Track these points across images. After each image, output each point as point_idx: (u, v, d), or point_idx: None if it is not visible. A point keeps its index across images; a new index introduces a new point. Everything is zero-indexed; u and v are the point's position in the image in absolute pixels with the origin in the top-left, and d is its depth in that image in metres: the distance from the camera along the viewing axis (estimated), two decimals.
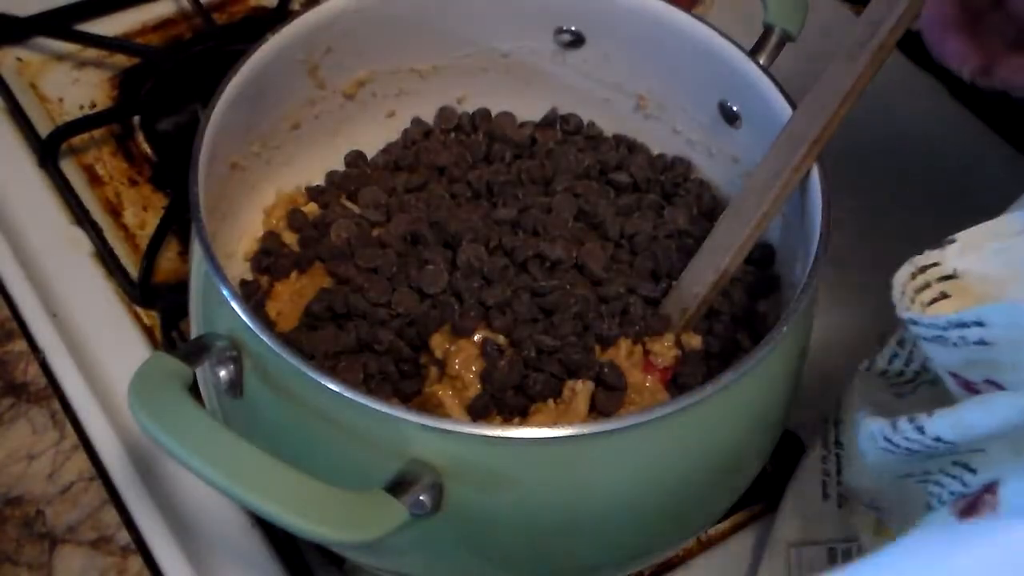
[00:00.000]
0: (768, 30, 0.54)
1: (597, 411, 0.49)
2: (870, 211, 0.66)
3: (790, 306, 0.44)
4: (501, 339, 0.50)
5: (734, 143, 0.55)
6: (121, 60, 0.72)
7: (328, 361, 0.50)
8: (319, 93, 0.56)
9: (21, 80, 0.71)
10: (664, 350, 0.51)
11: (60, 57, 0.72)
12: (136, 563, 0.52)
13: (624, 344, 0.51)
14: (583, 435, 0.40)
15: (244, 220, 0.55)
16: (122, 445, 0.55)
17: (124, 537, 0.52)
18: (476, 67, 0.59)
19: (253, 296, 0.53)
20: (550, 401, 0.49)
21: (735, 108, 0.54)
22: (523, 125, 0.61)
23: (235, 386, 0.42)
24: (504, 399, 0.49)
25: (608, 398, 0.49)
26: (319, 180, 0.59)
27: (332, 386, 0.39)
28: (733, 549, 0.55)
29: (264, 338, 0.40)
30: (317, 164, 0.59)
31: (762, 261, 0.55)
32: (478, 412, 0.48)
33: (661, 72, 0.57)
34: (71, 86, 0.71)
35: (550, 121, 0.60)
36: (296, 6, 0.77)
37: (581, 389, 0.49)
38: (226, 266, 0.48)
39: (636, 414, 0.40)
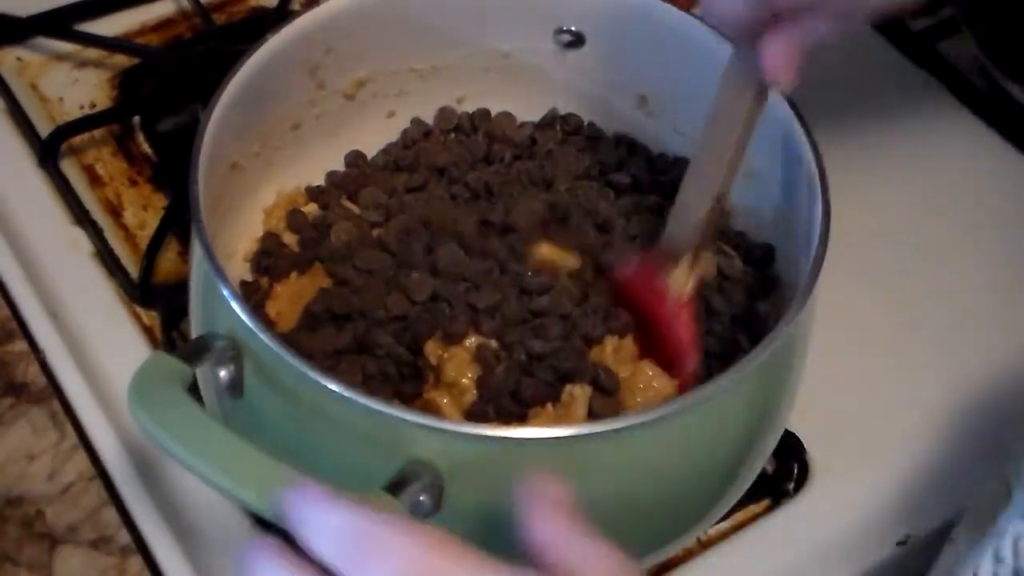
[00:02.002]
0: None
1: (593, 416, 0.49)
2: (869, 211, 0.66)
3: (790, 306, 0.44)
4: (493, 343, 0.50)
5: None
6: (121, 60, 0.72)
7: (327, 361, 0.50)
8: (319, 93, 0.56)
9: (21, 80, 0.71)
10: (681, 280, 0.51)
11: (60, 57, 0.72)
12: (136, 563, 0.52)
13: (610, 341, 0.51)
14: (583, 435, 0.40)
15: (244, 220, 0.55)
16: (122, 445, 0.54)
17: (124, 537, 0.52)
18: (476, 67, 0.59)
19: (253, 296, 0.53)
20: (548, 406, 0.49)
21: None
22: (523, 125, 0.61)
23: (235, 386, 0.42)
24: (501, 404, 0.49)
25: (604, 404, 0.49)
26: (319, 180, 0.59)
27: (332, 386, 0.39)
28: (733, 549, 0.55)
29: (264, 338, 0.40)
30: (317, 164, 0.59)
31: (762, 261, 0.55)
32: (476, 418, 0.48)
33: (661, 72, 0.57)
34: (71, 86, 0.71)
35: (550, 121, 0.60)
36: (296, 6, 0.77)
37: (579, 394, 0.49)
38: (226, 266, 0.48)
39: (636, 414, 0.41)
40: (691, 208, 0.50)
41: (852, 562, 0.55)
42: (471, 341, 0.50)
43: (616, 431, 0.40)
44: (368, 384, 0.49)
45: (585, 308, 0.51)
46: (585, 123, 0.60)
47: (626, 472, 0.43)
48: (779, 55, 0.44)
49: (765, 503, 0.56)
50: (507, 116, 0.60)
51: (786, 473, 0.57)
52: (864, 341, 0.62)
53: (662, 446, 0.42)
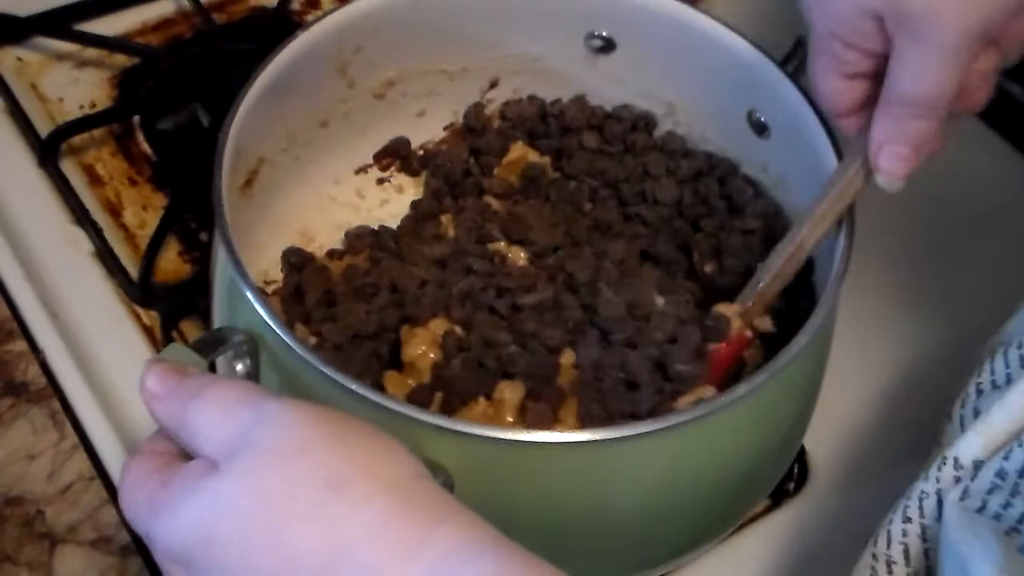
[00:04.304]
0: (801, 41, 0.53)
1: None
2: (866, 211, 0.66)
3: (808, 322, 0.44)
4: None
5: (762, 154, 0.55)
6: (121, 60, 0.72)
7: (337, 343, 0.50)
8: (349, 92, 0.56)
9: (21, 80, 0.71)
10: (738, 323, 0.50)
11: (60, 57, 0.72)
12: (136, 563, 0.52)
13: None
14: (594, 441, 0.40)
15: (272, 214, 0.55)
16: (122, 445, 0.54)
17: (124, 537, 0.52)
18: (506, 70, 0.59)
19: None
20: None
21: (763, 119, 0.54)
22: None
23: (252, 380, 0.43)
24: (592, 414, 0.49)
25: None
26: (347, 177, 0.59)
27: (349, 385, 0.40)
28: (733, 549, 0.55)
29: (284, 337, 0.41)
30: (344, 162, 0.59)
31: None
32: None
33: (691, 80, 0.56)
34: (71, 86, 0.71)
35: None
36: (296, 6, 0.77)
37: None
38: (251, 260, 0.47)
39: (651, 421, 0.40)
40: (778, 261, 0.50)
41: (852, 562, 0.55)
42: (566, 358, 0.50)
43: (630, 437, 0.40)
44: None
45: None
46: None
47: (640, 479, 0.43)
48: (894, 157, 0.47)
49: (765, 503, 0.56)
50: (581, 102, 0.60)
51: (786, 473, 0.57)
52: (862, 341, 0.62)
53: (675, 454, 0.42)
